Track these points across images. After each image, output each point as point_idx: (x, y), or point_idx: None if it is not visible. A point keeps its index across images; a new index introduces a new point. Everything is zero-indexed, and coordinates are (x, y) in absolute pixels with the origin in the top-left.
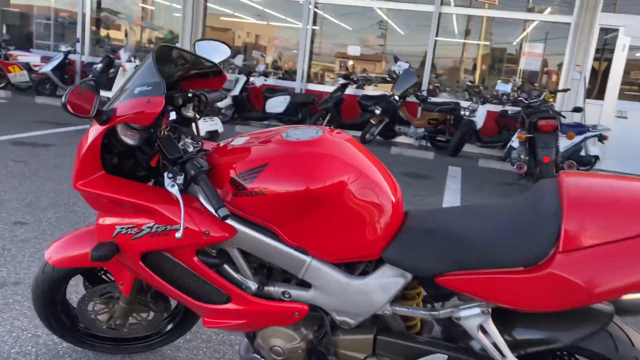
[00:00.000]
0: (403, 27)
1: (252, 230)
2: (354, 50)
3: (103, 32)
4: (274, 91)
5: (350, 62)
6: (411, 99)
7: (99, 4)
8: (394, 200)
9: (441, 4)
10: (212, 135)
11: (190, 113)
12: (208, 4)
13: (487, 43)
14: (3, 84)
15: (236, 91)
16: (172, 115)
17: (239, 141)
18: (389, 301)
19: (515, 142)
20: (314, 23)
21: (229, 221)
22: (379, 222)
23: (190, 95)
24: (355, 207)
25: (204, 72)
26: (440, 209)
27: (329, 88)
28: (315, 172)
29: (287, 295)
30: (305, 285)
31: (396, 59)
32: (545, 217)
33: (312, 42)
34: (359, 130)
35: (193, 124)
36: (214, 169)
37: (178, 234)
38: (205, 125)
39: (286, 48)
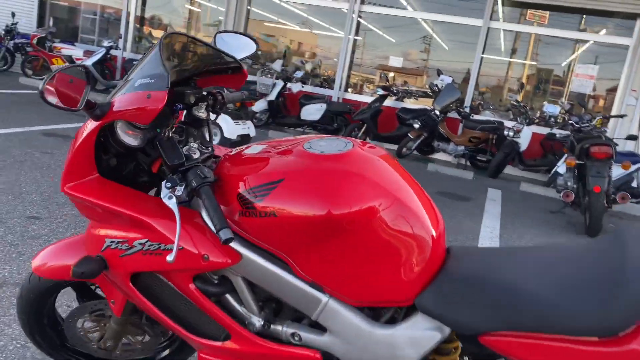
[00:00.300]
0: (448, 42)
1: (260, 257)
2: (396, 61)
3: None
4: (310, 98)
5: (391, 74)
6: (452, 115)
7: (144, 1)
8: (434, 234)
9: (490, 19)
10: (244, 139)
11: (202, 113)
12: (253, 9)
13: (534, 63)
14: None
15: (272, 96)
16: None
17: (254, 149)
18: (419, 358)
19: (561, 168)
20: (357, 33)
21: (234, 245)
22: (414, 260)
23: (205, 93)
24: (386, 240)
25: (223, 68)
26: (492, 249)
27: (366, 98)
28: (340, 194)
29: (297, 338)
30: (319, 327)
31: (439, 73)
32: (632, 275)
33: (353, 51)
34: (395, 144)
35: (206, 126)
36: (220, 180)
37: (169, 257)
38: (237, 128)
39: (327, 57)
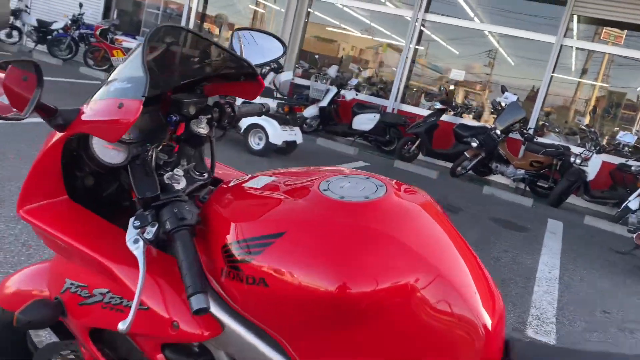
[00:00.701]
0: (514, 57)
1: (248, 333)
2: (457, 74)
3: (207, 26)
4: (363, 107)
5: (451, 87)
6: (514, 135)
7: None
8: (489, 324)
9: (564, 36)
10: (289, 146)
11: (202, 129)
12: (315, 12)
13: (605, 85)
14: (106, 67)
15: (325, 102)
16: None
17: (257, 182)
18: None
19: (633, 203)
20: (419, 42)
21: (215, 312)
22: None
23: (210, 104)
24: (422, 331)
25: (236, 74)
26: (570, 350)
27: (423, 111)
28: (362, 263)
29: None
30: None
31: (503, 90)
32: None
33: (413, 61)
34: (449, 162)
35: (209, 145)
36: (205, 222)
37: (122, 325)
38: (284, 134)
39: (386, 65)
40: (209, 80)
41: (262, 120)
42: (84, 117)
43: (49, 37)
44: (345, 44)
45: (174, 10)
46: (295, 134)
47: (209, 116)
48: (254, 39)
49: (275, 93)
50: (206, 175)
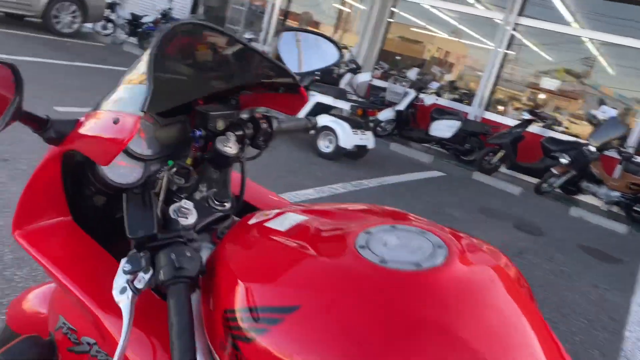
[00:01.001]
0: (615, 66)
1: None
2: (550, 83)
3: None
4: (443, 113)
5: (542, 96)
6: (611, 153)
7: None
8: None
9: None
10: (360, 150)
11: (229, 147)
12: (400, 12)
13: None
14: None
15: (402, 106)
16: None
17: (282, 222)
18: None
19: None
20: (509, 47)
21: None
22: None
23: (244, 117)
24: None
25: (273, 84)
26: None
27: (509, 121)
28: None
29: None
30: None
31: (601, 102)
32: None
33: (501, 66)
34: (534, 177)
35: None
36: (212, 271)
37: None
38: (355, 138)
39: (473, 68)
40: (249, 89)
41: (332, 123)
42: (80, 131)
43: (139, 29)
44: (430, 46)
45: (258, 7)
46: (367, 139)
47: (240, 132)
48: (316, 43)
49: (349, 95)
50: (227, 205)
